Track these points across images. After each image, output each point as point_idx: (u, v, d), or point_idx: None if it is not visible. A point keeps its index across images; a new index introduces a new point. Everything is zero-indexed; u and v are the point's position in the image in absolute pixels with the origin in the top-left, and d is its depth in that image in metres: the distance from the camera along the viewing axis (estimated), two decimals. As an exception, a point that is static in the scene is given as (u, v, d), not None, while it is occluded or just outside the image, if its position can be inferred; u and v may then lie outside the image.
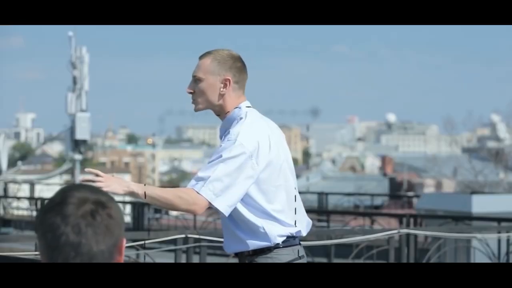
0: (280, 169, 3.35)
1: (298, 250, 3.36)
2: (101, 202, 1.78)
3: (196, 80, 3.42)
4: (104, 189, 3.03)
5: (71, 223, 1.74)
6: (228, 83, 3.40)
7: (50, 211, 1.76)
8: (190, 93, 3.44)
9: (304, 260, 3.39)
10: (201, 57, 3.44)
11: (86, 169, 3.29)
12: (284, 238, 3.32)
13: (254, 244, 3.31)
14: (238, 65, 3.43)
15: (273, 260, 3.30)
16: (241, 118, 3.35)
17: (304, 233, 3.41)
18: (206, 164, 3.30)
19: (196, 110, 3.47)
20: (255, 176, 3.26)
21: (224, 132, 3.40)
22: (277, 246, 3.31)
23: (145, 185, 3.24)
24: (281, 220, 3.32)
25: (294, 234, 3.36)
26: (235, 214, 3.30)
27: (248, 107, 3.44)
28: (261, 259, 3.31)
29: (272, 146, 3.33)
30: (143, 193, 3.19)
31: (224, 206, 3.23)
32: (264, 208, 3.31)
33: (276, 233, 3.31)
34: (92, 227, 1.74)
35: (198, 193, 3.22)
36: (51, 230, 1.74)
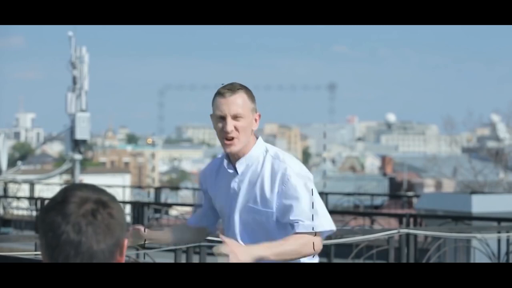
0: None
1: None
2: (103, 201, 1.78)
3: (235, 118, 3.33)
4: (232, 260, 3.02)
5: (72, 222, 1.74)
6: (258, 118, 3.42)
7: (52, 210, 1.77)
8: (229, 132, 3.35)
9: None
10: (229, 94, 3.34)
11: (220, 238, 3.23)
12: None
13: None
14: None
15: None
16: (276, 156, 3.38)
17: None
18: (301, 207, 3.29)
19: (233, 151, 3.37)
20: None
21: (246, 168, 3.39)
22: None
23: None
24: None
25: None
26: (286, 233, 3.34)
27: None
28: None
29: None
30: (271, 253, 3.20)
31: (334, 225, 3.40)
32: None
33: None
34: (92, 226, 1.75)
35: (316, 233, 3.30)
36: (52, 229, 1.75)
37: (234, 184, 3.43)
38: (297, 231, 3.27)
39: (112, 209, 1.78)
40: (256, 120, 3.40)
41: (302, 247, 3.25)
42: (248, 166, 3.40)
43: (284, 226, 3.35)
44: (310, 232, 3.27)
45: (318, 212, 3.31)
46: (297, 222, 3.28)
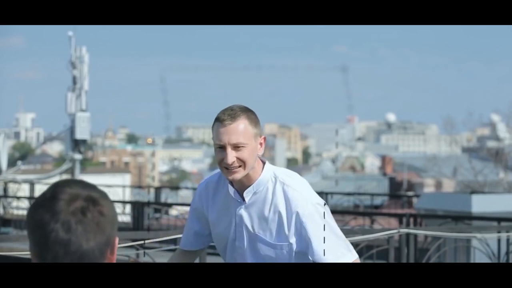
0: None
1: None
2: (93, 198, 1.73)
3: (236, 147, 3.10)
4: None
5: (61, 220, 1.70)
6: (264, 141, 3.21)
7: (40, 207, 1.73)
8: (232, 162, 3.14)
9: None
10: (228, 122, 3.10)
11: None
12: None
13: None
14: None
15: None
16: (287, 183, 3.18)
17: None
18: (331, 243, 3.15)
19: (236, 178, 3.14)
20: None
21: (253, 195, 3.20)
22: None
23: None
24: None
25: None
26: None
27: (264, 162, 3.25)
28: None
29: None
30: None
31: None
32: None
33: None
34: (82, 224, 1.70)
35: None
36: (41, 227, 1.70)
37: (240, 212, 3.24)
38: (344, 260, 3.17)
39: (102, 207, 1.74)
40: (261, 144, 3.17)
41: None
42: (256, 194, 3.20)
43: (301, 258, 3.20)
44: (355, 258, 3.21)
45: (342, 239, 3.21)
46: (339, 261, 3.16)
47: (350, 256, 3.20)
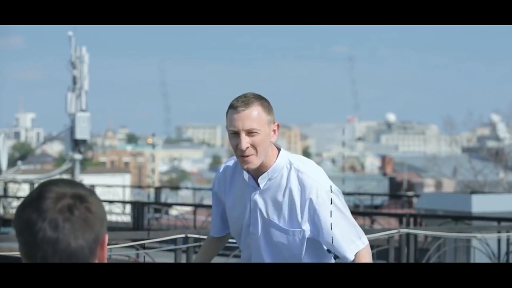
0: None
1: None
2: (80, 196, 1.72)
3: (250, 133, 3.13)
4: None
5: (48, 218, 1.68)
6: (277, 128, 3.24)
7: (28, 207, 1.71)
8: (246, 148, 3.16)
9: None
10: (242, 108, 3.13)
11: None
12: None
13: None
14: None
15: None
16: (302, 170, 3.20)
17: None
18: (342, 231, 3.20)
19: (251, 168, 3.18)
20: None
21: (268, 181, 3.23)
22: None
23: None
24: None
25: None
26: (316, 256, 3.27)
27: (279, 149, 3.28)
28: None
29: None
30: None
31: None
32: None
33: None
34: (69, 222, 1.68)
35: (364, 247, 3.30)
36: (28, 226, 1.69)
37: (255, 197, 3.27)
38: (354, 257, 3.24)
39: (90, 204, 1.72)
40: (274, 131, 3.20)
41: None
42: (271, 180, 3.23)
43: (314, 247, 3.24)
44: (361, 249, 3.27)
45: (354, 225, 3.25)
46: (349, 248, 3.22)
47: (360, 243, 3.26)
